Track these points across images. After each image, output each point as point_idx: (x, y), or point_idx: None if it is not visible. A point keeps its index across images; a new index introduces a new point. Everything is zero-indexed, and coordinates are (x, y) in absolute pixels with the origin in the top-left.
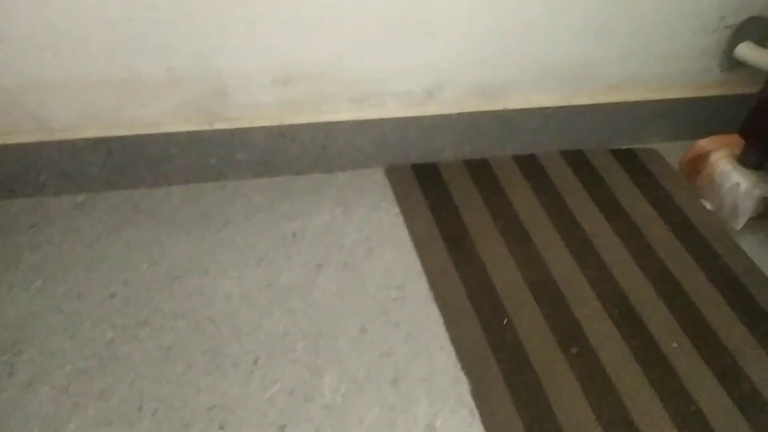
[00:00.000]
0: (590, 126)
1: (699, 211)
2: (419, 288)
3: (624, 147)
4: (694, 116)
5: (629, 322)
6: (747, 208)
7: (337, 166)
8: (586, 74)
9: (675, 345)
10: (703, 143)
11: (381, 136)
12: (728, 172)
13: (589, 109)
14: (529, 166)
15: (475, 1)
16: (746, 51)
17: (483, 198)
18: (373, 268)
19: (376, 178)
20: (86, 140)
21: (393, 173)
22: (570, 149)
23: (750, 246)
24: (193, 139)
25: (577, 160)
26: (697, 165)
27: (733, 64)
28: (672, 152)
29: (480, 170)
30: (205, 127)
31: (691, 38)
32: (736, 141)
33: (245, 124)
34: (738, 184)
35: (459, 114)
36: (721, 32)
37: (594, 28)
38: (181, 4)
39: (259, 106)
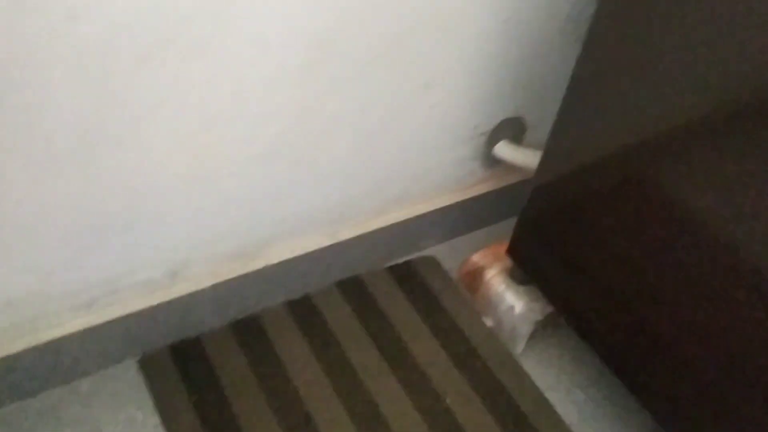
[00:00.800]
0: (363, 252)
1: (481, 334)
2: None
3: (401, 260)
4: (466, 215)
5: None
6: (524, 332)
7: (78, 374)
8: (348, 210)
9: None
10: (476, 259)
11: (125, 331)
12: (502, 293)
13: (359, 239)
14: (304, 310)
15: (206, 183)
16: (503, 150)
17: (254, 372)
18: None
19: (128, 376)
20: None
21: (148, 364)
22: (346, 277)
23: (532, 366)
24: None
25: (354, 290)
26: (473, 281)
27: (494, 162)
28: (450, 254)
29: (249, 332)
30: None
31: (449, 151)
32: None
33: None
34: (513, 308)
35: (214, 285)
36: (477, 139)
37: (345, 171)
38: None
39: None
